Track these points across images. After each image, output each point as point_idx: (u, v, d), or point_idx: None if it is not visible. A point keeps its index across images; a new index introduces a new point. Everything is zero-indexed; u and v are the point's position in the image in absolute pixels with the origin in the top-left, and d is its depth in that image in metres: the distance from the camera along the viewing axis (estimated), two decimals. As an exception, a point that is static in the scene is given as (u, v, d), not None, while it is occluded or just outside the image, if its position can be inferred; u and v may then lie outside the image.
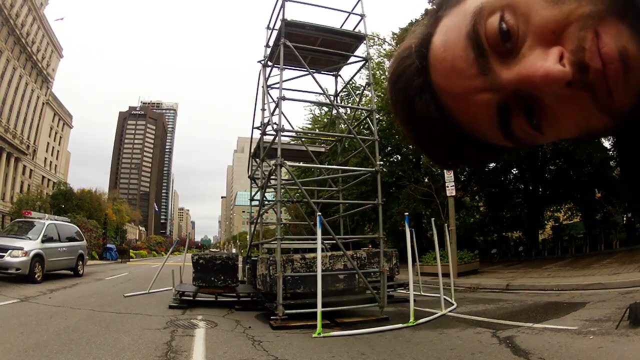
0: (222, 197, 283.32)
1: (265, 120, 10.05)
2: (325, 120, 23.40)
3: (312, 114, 26.74)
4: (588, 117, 0.50)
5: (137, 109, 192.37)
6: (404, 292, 10.00)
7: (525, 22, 0.49)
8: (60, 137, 78.56)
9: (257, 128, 10.90)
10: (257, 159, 11.21)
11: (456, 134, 0.60)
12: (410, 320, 7.10)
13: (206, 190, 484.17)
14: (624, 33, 0.46)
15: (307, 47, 9.21)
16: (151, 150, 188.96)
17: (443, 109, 0.58)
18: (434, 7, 0.60)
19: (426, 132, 0.62)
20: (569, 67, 0.47)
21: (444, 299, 8.80)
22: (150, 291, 11.23)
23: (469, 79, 0.53)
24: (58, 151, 77.36)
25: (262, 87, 10.09)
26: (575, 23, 0.47)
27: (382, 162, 9.03)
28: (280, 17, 8.95)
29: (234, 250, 46.14)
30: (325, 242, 9.10)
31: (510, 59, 0.51)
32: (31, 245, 13.12)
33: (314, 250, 8.24)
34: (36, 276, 12.87)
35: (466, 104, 0.55)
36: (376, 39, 23.75)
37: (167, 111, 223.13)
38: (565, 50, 0.48)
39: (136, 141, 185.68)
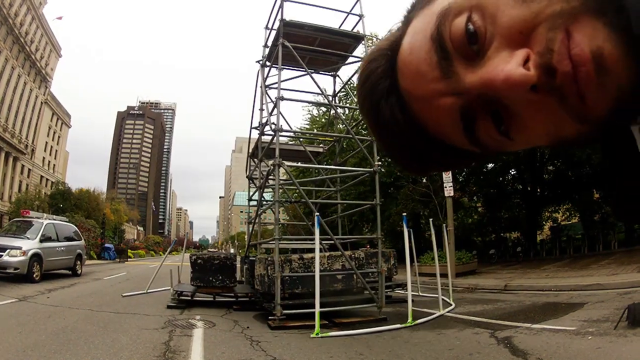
0: (220, 197, 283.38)
1: (264, 121, 10.05)
2: (323, 120, 23.41)
3: (310, 114, 26.76)
4: (559, 123, 0.47)
5: (136, 108, 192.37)
6: (402, 292, 10.02)
7: (493, 23, 0.47)
8: (59, 137, 78.44)
9: (256, 128, 10.89)
10: (255, 159, 11.21)
11: (423, 138, 0.58)
12: (409, 321, 7.10)
13: (204, 191, 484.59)
14: (600, 32, 0.43)
15: (306, 47, 9.22)
16: (149, 150, 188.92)
17: (409, 113, 0.57)
18: (408, 8, 0.58)
19: (392, 136, 0.61)
20: (534, 70, 0.44)
21: (442, 299, 8.80)
22: (148, 291, 11.20)
23: (432, 83, 0.52)
24: (56, 151, 77.26)
25: (261, 87, 10.10)
26: (545, 23, 0.44)
27: (380, 163, 9.02)
28: (279, 17, 8.95)
29: (232, 250, 46.16)
30: (323, 242, 9.10)
31: (476, 61, 0.49)
32: (29, 244, 13.09)
33: (312, 250, 8.24)
34: (34, 276, 12.84)
35: (429, 108, 0.54)
36: (374, 39, 23.72)
37: (166, 111, 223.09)
38: (532, 53, 0.45)
39: (134, 141, 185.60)
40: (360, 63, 0.63)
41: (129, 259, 41.72)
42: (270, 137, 9.35)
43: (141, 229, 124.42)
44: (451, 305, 9.05)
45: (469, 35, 0.48)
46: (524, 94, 0.46)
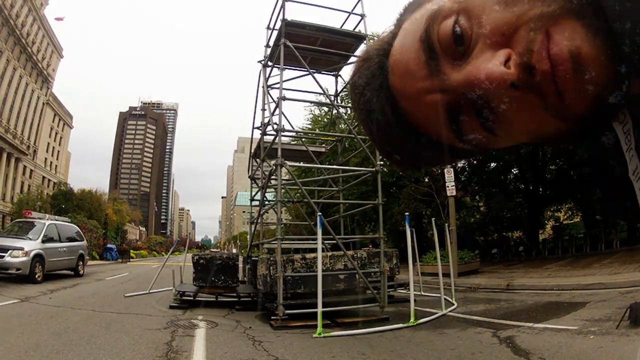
0: (222, 197, 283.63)
1: (266, 121, 10.05)
2: (325, 120, 23.38)
3: (312, 114, 26.73)
4: (540, 120, 0.49)
5: (137, 109, 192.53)
6: (405, 292, 10.00)
7: (478, 26, 0.50)
8: (61, 137, 78.58)
9: (258, 128, 10.90)
10: (258, 159, 11.20)
11: (413, 135, 0.60)
12: (411, 320, 7.09)
13: (206, 191, 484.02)
14: (578, 33, 0.45)
15: (308, 47, 9.21)
16: (151, 150, 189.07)
17: (399, 111, 0.59)
18: (400, 12, 0.62)
19: (383, 133, 0.63)
20: (514, 68, 0.47)
21: (445, 298, 8.79)
22: (150, 291, 11.23)
23: (420, 81, 0.54)
24: (58, 151, 77.38)
25: (263, 87, 10.09)
26: (526, 25, 0.47)
27: (382, 162, 9.01)
28: (281, 17, 8.95)
29: (234, 251, 46.21)
30: (325, 242, 9.09)
31: (462, 61, 0.51)
32: (31, 245, 13.13)
33: (314, 250, 8.24)
34: (36, 276, 12.87)
35: (417, 105, 0.56)
36: (376, 39, 23.66)
37: (167, 111, 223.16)
38: (514, 53, 0.48)
39: (136, 141, 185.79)
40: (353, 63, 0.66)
41: (131, 260, 41.84)
42: (272, 137, 9.35)
43: (143, 229, 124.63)
44: (453, 304, 9.04)
45: (455, 37, 0.51)
46: (505, 91, 0.48)
